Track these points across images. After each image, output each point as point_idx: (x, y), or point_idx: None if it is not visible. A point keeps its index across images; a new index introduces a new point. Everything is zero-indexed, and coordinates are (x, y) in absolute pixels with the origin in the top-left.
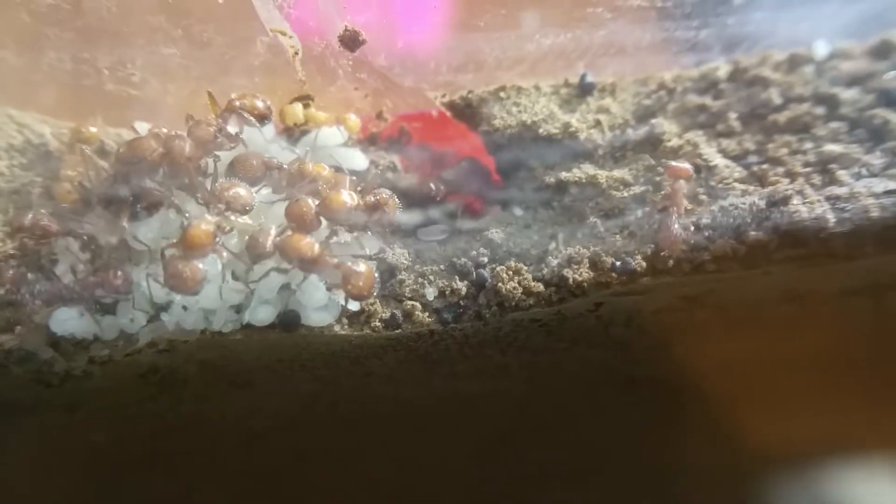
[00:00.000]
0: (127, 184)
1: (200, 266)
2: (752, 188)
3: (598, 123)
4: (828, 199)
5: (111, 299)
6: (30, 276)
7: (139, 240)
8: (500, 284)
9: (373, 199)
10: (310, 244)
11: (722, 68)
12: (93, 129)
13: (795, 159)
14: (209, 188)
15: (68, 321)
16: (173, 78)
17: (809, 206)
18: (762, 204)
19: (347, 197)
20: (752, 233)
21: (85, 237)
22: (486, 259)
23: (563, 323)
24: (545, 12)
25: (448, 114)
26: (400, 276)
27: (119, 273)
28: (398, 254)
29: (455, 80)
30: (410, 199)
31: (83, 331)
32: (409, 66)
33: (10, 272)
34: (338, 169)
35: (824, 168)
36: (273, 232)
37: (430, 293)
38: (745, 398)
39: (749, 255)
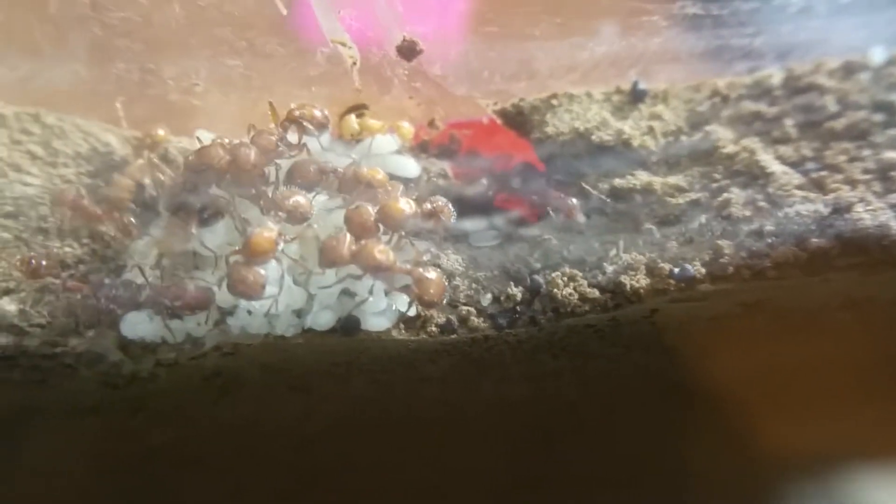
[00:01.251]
0: (195, 191)
1: (263, 272)
2: (812, 195)
3: (651, 130)
4: (891, 206)
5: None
6: (105, 280)
7: (206, 246)
8: (555, 290)
9: (429, 206)
10: (385, 251)
11: (776, 75)
12: (160, 133)
13: (854, 166)
14: (270, 196)
15: (139, 325)
16: (235, 88)
17: (873, 213)
18: (826, 211)
19: (405, 205)
20: (815, 240)
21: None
22: (539, 265)
23: (618, 329)
24: (600, 21)
25: (499, 121)
26: (455, 282)
27: (197, 290)
28: (452, 259)
29: (508, 88)
30: (463, 204)
31: (153, 334)
32: (462, 76)
33: (84, 276)
34: (391, 176)
35: (885, 175)
36: (348, 239)
37: (486, 299)
38: (796, 406)
39: (810, 262)
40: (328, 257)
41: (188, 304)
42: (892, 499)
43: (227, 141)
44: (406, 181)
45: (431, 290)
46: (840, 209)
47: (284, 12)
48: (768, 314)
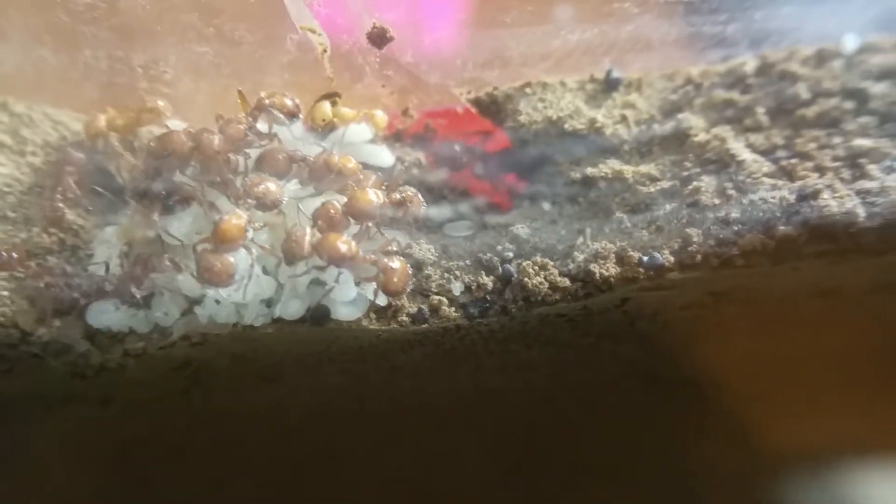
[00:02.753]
0: (158, 178)
1: (231, 259)
2: (780, 182)
3: (623, 119)
4: (858, 193)
5: (146, 293)
6: (68, 269)
7: (171, 234)
8: (525, 279)
9: (398, 196)
10: (347, 242)
11: (749, 63)
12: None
13: (824, 154)
14: (240, 184)
15: (105, 314)
16: (205, 75)
17: (839, 200)
18: (792, 198)
19: (373, 195)
20: (782, 227)
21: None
22: (511, 254)
23: (589, 318)
24: (572, 8)
25: (473, 110)
26: (426, 272)
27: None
28: (424, 249)
29: (481, 76)
30: (435, 194)
31: (119, 324)
32: (435, 63)
33: (49, 265)
34: (365, 166)
35: (854, 162)
36: (308, 233)
37: (457, 288)
38: (770, 395)
39: (778, 250)
40: (290, 252)
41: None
42: (863, 484)
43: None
44: (380, 170)
45: (395, 279)
46: (806, 196)
47: None
48: (739, 303)
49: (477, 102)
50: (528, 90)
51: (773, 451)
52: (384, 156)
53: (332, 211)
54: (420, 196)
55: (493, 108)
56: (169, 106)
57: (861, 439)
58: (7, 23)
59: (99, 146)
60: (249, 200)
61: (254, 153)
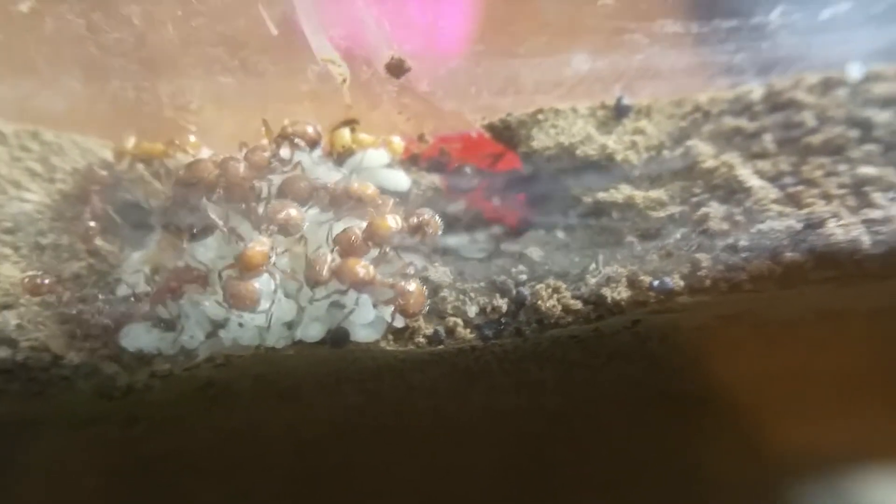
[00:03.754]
0: (185, 205)
1: (257, 286)
2: (787, 209)
3: (634, 145)
4: (863, 221)
5: (173, 316)
6: (98, 294)
7: (198, 260)
8: (539, 302)
9: (416, 220)
10: (365, 267)
11: (756, 91)
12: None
13: (830, 181)
14: (263, 210)
15: (138, 337)
16: (228, 105)
17: (845, 228)
18: (799, 226)
19: (392, 221)
20: (789, 254)
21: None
22: (525, 277)
23: (601, 339)
24: (584, 39)
25: (487, 135)
26: (442, 294)
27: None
28: (441, 271)
29: (495, 103)
30: (449, 217)
31: (150, 346)
32: (450, 91)
33: (79, 289)
34: (382, 189)
35: (859, 190)
36: (328, 259)
37: (472, 310)
38: (776, 411)
39: (785, 276)
40: (310, 277)
41: (183, 281)
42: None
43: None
44: (396, 194)
45: (412, 302)
46: (813, 224)
47: (275, 32)
48: (747, 325)
49: (491, 128)
50: (540, 116)
51: (779, 464)
52: (401, 180)
53: (352, 237)
54: (437, 218)
55: (506, 134)
56: (199, 142)
57: (866, 455)
58: (39, 57)
59: (125, 167)
60: (272, 227)
61: (276, 180)
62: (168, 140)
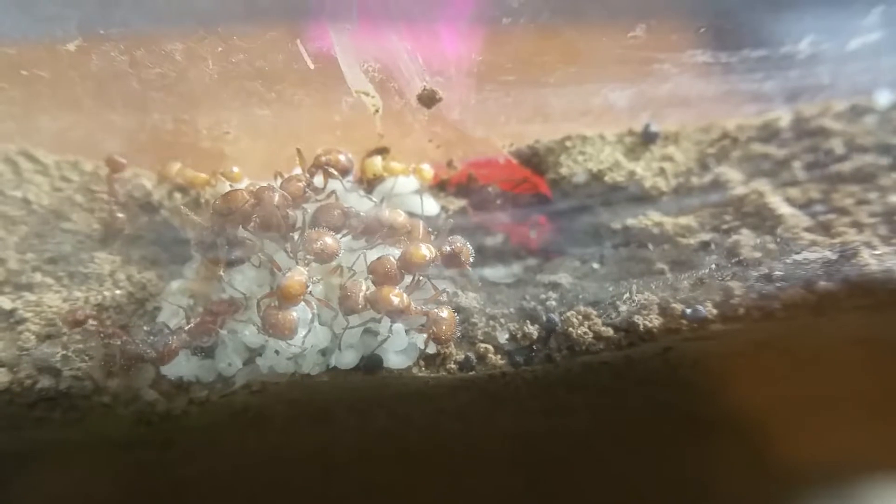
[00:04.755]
0: (222, 234)
1: (295, 315)
2: (819, 238)
3: (662, 171)
4: None
5: (211, 342)
6: (139, 322)
7: (235, 288)
8: (570, 329)
9: (448, 248)
10: (399, 295)
11: (784, 118)
12: (203, 176)
13: (861, 209)
14: (298, 239)
15: (178, 365)
16: (264, 135)
17: (878, 258)
18: (833, 257)
19: (426, 251)
20: (823, 283)
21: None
22: (555, 303)
23: (631, 365)
24: (612, 69)
25: (514, 161)
26: (473, 320)
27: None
28: (470, 297)
29: (523, 130)
30: (479, 241)
31: (190, 374)
32: (480, 119)
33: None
34: (412, 215)
35: (890, 219)
36: (363, 287)
37: (502, 336)
38: (806, 435)
39: (819, 304)
40: (345, 305)
41: (220, 312)
42: None
43: (251, 184)
44: (426, 219)
45: (444, 328)
46: (846, 255)
47: (312, 66)
48: (778, 351)
49: (518, 154)
50: (568, 143)
51: (804, 489)
52: (430, 206)
53: (387, 265)
54: (469, 247)
55: (534, 160)
56: (241, 172)
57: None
58: (83, 92)
59: (163, 196)
60: (308, 256)
61: (310, 208)
62: (212, 170)
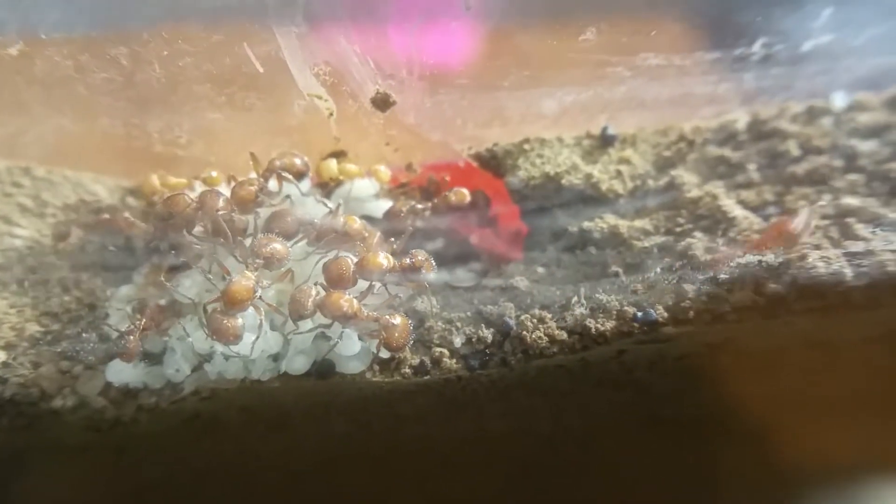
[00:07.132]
0: (164, 238)
1: (240, 320)
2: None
3: (619, 174)
4: (845, 254)
5: (158, 350)
6: (86, 329)
7: (181, 293)
8: (524, 332)
9: (409, 261)
10: (349, 301)
11: (741, 120)
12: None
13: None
14: (250, 243)
15: (123, 371)
16: (217, 139)
17: (826, 261)
18: (781, 259)
19: (384, 259)
20: (772, 286)
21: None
22: (510, 307)
23: (587, 368)
24: (567, 72)
25: (474, 164)
26: (428, 324)
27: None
28: (427, 301)
29: (481, 134)
30: (436, 246)
31: (136, 380)
32: (436, 123)
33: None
34: (370, 219)
35: (841, 221)
36: (313, 292)
37: (458, 340)
38: (764, 435)
39: (769, 307)
40: (294, 311)
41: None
42: None
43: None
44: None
45: (396, 335)
46: (794, 258)
47: (261, 70)
48: (734, 353)
49: (478, 157)
50: (526, 146)
51: (768, 492)
52: (387, 209)
53: (342, 266)
54: (431, 260)
55: (493, 163)
56: (220, 176)
57: (852, 477)
58: (31, 97)
59: (116, 201)
60: (258, 260)
61: (263, 213)
62: (192, 175)
